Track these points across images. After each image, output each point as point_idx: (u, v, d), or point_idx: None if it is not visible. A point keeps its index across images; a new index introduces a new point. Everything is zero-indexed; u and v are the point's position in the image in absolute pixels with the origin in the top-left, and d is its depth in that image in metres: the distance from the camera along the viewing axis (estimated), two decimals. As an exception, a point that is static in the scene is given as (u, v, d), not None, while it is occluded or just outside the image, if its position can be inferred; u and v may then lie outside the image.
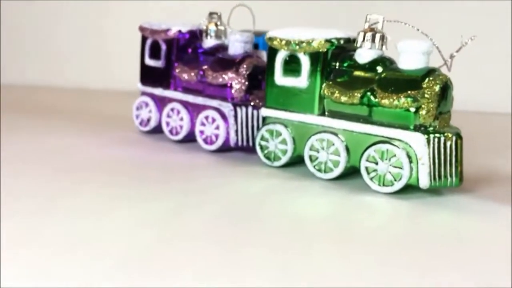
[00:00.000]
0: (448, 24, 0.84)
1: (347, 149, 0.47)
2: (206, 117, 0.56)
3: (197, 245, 0.34)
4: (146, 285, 0.29)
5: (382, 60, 0.46)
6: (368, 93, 0.45)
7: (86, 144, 0.58)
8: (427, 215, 0.40)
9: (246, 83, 0.55)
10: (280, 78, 0.50)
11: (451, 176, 0.43)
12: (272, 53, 0.50)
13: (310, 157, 0.49)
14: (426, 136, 0.42)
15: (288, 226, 0.38)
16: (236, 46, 0.56)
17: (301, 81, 0.49)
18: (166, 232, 0.36)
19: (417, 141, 0.42)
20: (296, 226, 0.38)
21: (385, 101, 0.43)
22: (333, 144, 0.47)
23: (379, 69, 0.46)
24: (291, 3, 0.90)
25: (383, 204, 0.42)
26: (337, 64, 0.48)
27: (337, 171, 0.47)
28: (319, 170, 0.48)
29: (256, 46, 0.63)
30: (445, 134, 0.43)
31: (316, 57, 0.48)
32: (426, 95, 0.42)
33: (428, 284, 0.30)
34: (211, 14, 0.60)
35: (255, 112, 0.55)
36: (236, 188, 0.46)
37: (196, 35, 0.61)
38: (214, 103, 0.56)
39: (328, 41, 0.47)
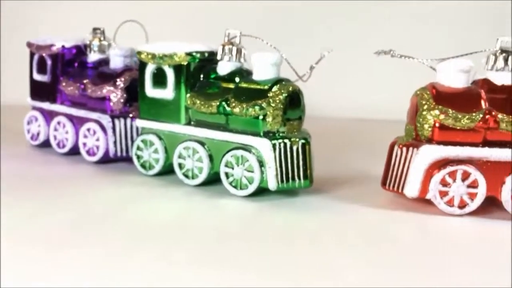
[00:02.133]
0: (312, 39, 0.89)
1: (210, 156, 0.49)
2: (88, 129, 0.58)
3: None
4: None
5: (240, 72, 0.49)
6: (223, 103, 0.48)
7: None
8: (270, 214, 0.44)
9: (124, 95, 0.57)
10: (150, 90, 0.52)
11: (299, 178, 0.46)
12: (142, 66, 0.53)
13: (180, 164, 0.51)
14: (272, 142, 0.45)
15: (128, 230, 0.40)
16: (116, 60, 0.58)
17: (167, 92, 0.51)
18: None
19: (264, 146, 0.45)
20: (136, 229, 0.40)
21: (236, 110, 0.46)
22: (198, 152, 0.50)
23: (237, 80, 0.49)
24: (187, 19, 0.93)
25: (234, 206, 0.45)
26: (202, 76, 0.51)
27: (202, 177, 0.50)
28: (187, 177, 0.51)
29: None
30: (292, 139, 0.46)
31: (179, 70, 0.50)
32: (271, 104, 0.45)
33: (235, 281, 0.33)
34: (94, 29, 0.62)
35: (134, 123, 0.57)
36: (98, 196, 0.47)
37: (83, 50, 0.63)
38: (94, 115, 0.57)
39: (189, 54, 0.50)
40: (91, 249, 0.36)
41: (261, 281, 0.32)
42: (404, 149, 0.44)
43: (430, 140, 0.43)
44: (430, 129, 0.43)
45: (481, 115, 0.42)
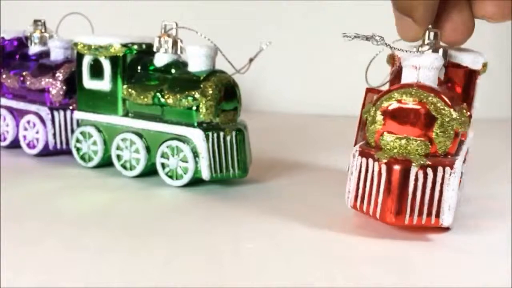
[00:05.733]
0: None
1: (148, 147, 0.50)
2: (28, 122, 0.58)
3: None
4: None
5: (176, 63, 0.50)
6: (158, 94, 0.48)
7: None
8: (197, 203, 0.44)
9: (64, 87, 0.56)
10: (87, 82, 0.52)
11: (233, 168, 0.47)
12: (79, 58, 0.52)
13: (118, 156, 0.51)
14: (204, 132, 0.46)
15: (49, 219, 0.40)
16: (56, 52, 0.58)
17: (104, 84, 0.51)
18: None
19: (197, 136, 0.46)
20: (57, 218, 0.40)
21: (170, 101, 0.47)
22: (135, 143, 0.50)
23: (173, 71, 0.49)
24: (135, 12, 0.92)
25: (167, 196, 0.46)
26: (140, 67, 0.51)
27: (139, 168, 0.50)
28: (125, 168, 0.51)
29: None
30: (225, 130, 0.46)
31: (115, 61, 0.50)
32: (204, 95, 0.46)
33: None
34: (35, 21, 0.61)
35: (74, 115, 0.57)
36: (32, 188, 0.47)
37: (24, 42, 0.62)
38: (34, 108, 0.57)
39: (124, 46, 0.50)
40: (4, 235, 0.36)
41: (165, 268, 0.33)
42: (430, 170, 0.37)
43: (447, 154, 0.38)
44: (450, 141, 0.38)
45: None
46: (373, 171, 0.38)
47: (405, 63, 0.39)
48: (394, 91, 0.38)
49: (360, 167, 0.39)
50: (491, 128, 0.63)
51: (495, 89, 0.92)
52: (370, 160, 0.38)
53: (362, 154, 0.39)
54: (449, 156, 0.38)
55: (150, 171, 0.50)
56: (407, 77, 0.39)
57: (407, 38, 0.40)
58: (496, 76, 0.93)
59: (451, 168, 0.37)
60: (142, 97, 0.48)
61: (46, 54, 0.60)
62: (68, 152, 0.57)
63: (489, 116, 0.76)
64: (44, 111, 0.56)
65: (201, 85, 0.46)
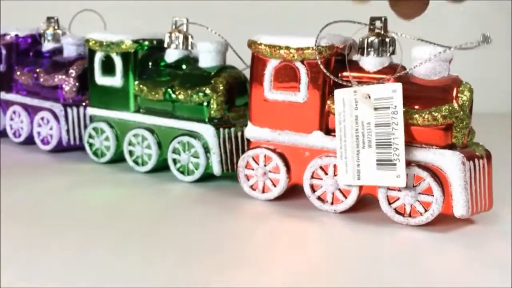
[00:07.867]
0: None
1: (159, 143, 0.50)
2: (42, 118, 0.58)
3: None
4: None
5: (187, 59, 0.50)
6: (169, 90, 0.48)
7: None
8: (209, 199, 0.44)
9: (77, 84, 0.57)
10: (99, 78, 0.53)
11: (243, 163, 0.47)
12: (91, 54, 0.53)
13: (130, 152, 0.52)
14: (215, 128, 0.46)
15: (60, 214, 0.41)
16: (69, 49, 0.59)
17: (116, 80, 0.52)
18: None
19: (208, 132, 0.46)
20: (68, 213, 0.41)
21: (181, 96, 0.47)
22: (146, 139, 0.50)
23: (184, 67, 0.49)
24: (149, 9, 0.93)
25: (179, 191, 0.46)
26: (151, 63, 0.51)
27: (151, 164, 0.50)
28: (137, 164, 0.51)
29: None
30: (236, 126, 0.47)
31: (127, 57, 0.51)
32: (215, 90, 0.46)
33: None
34: (48, 18, 0.62)
35: (86, 111, 0.57)
36: (45, 184, 0.47)
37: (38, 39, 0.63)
38: (47, 104, 0.58)
39: (136, 42, 0.50)
40: (19, 231, 0.37)
41: (178, 262, 0.33)
42: (484, 161, 0.39)
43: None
44: None
45: None
46: (480, 168, 0.39)
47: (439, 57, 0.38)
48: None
49: (470, 171, 0.38)
50: (490, 122, 0.62)
51: (495, 83, 0.91)
52: (477, 160, 0.38)
53: (470, 157, 0.38)
54: None
55: (161, 167, 0.51)
56: (433, 70, 0.39)
57: (411, 17, 0.40)
58: (496, 69, 0.93)
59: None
60: (153, 93, 0.49)
61: (59, 51, 0.60)
62: (81, 148, 0.57)
63: (489, 110, 0.77)
64: (58, 108, 0.56)
65: (212, 81, 0.46)
